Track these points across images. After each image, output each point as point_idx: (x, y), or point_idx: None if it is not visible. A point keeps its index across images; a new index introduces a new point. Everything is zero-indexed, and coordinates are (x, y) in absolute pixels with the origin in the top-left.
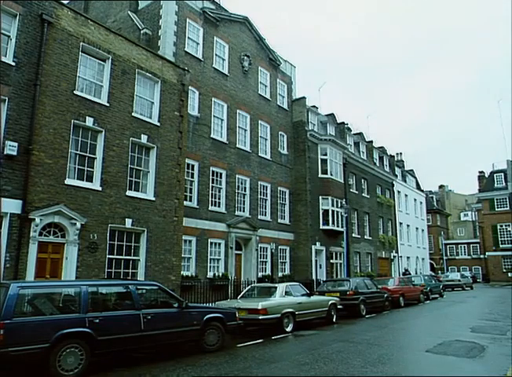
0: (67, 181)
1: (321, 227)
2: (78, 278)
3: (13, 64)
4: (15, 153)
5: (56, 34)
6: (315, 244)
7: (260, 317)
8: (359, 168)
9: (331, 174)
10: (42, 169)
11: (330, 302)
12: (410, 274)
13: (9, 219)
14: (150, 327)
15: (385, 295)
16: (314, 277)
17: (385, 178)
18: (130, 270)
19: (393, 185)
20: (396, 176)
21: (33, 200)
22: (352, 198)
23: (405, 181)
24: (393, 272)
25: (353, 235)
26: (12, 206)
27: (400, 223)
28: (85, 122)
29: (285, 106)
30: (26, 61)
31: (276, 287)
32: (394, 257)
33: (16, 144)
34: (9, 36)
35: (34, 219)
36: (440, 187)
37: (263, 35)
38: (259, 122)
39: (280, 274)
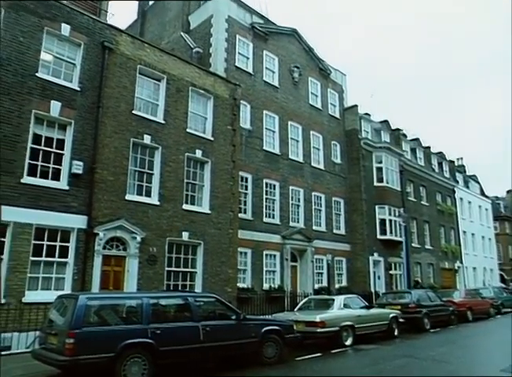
0: (128, 197)
1: (378, 237)
2: (139, 290)
3: (78, 89)
4: (80, 172)
5: (115, 59)
6: (372, 255)
7: (318, 330)
8: (416, 175)
9: (387, 182)
10: (104, 186)
11: (391, 316)
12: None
13: (76, 234)
14: (209, 339)
15: (451, 309)
16: (372, 289)
17: (445, 185)
18: (188, 282)
19: (454, 192)
20: (458, 182)
21: (97, 216)
22: (410, 206)
23: (468, 187)
24: (457, 284)
25: (413, 244)
26: (79, 221)
27: (464, 231)
28: (143, 139)
29: (337, 115)
30: (89, 86)
31: (333, 300)
32: (459, 267)
33: (81, 163)
34: (74, 64)
35: (99, 233)
36: (508, 192)
37: (312, 46)
38: (311, 132)
39: (337, 286)
